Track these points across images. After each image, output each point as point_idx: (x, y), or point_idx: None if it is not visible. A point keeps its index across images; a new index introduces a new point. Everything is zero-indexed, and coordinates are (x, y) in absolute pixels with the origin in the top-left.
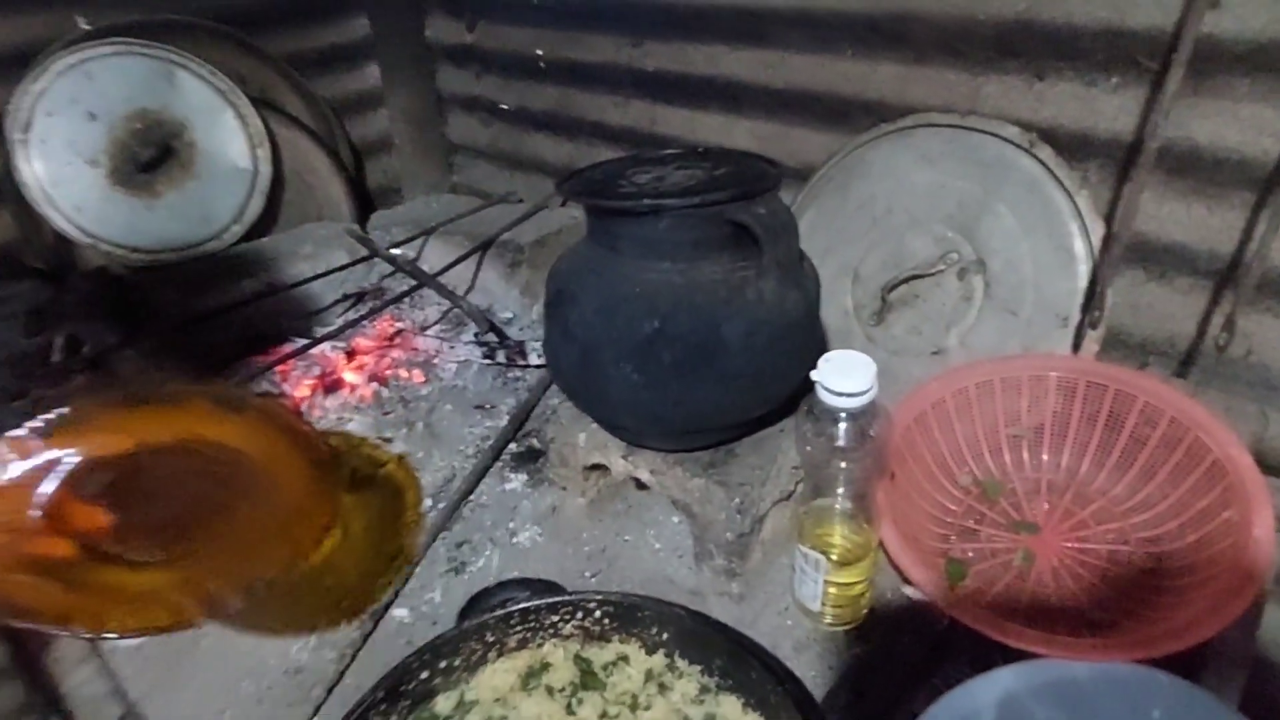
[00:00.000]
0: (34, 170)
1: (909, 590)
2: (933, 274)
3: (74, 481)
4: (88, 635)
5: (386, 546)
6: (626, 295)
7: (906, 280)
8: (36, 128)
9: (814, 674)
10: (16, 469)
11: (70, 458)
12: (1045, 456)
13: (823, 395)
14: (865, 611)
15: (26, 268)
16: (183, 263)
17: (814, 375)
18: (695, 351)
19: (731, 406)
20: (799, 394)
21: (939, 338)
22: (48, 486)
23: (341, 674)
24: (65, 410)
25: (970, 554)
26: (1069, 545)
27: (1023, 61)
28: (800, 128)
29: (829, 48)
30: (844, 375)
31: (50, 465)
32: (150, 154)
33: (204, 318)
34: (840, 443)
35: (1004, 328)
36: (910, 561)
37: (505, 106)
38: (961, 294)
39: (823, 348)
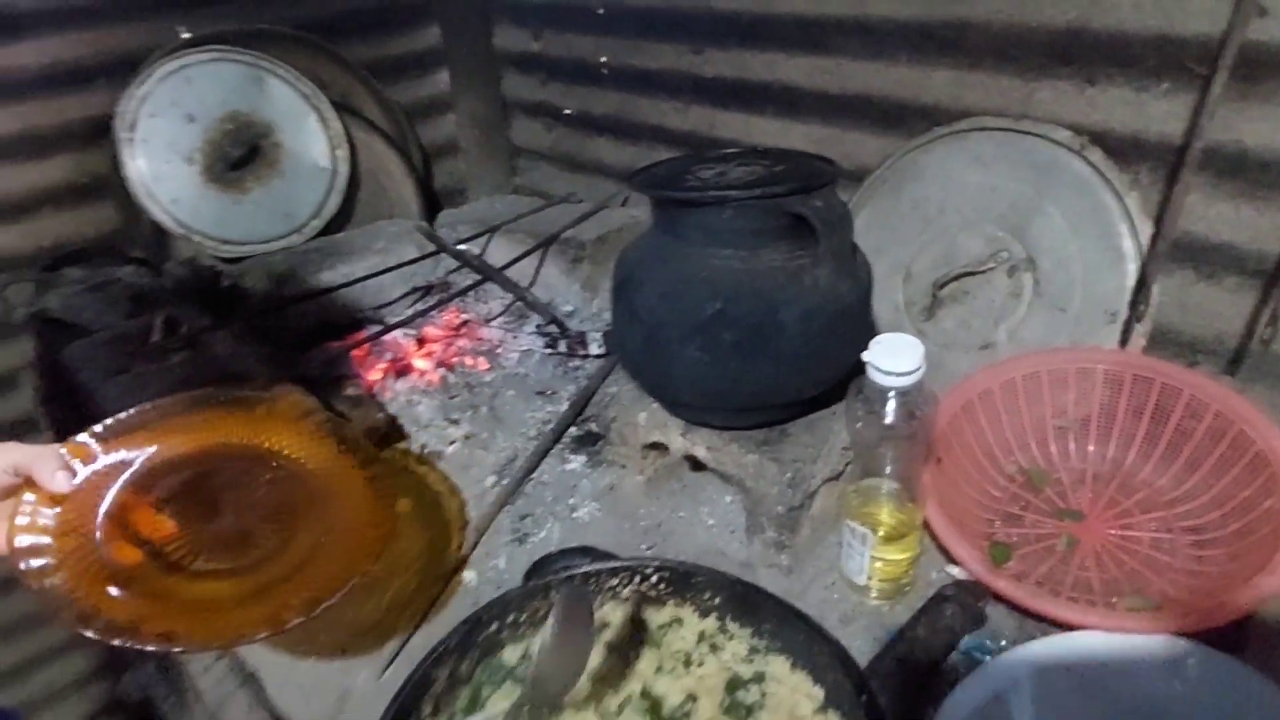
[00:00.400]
0: (138, 166)
1: (953, 569)
2: (983, 271)
3: (140, 485)
4: (153, 648)
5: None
6: (691, 280)
7: (957, 278)
8: (140, 128)
9: (859, 644)
10: (83, 474)
11: (137, 461)
12: (1091, 448)
13: (873, 375)
14: (909, 588)
15: (127, 256)
16: (266, 254)
17: (865, 356)
18: (754, 332)
19: (787, 385)
20: (850, 377)
21: (988, 333)
22: (113, 491)
23: (414, 630)
24: (128, 413)
25: (1014, 538)
26: (1113, 533)
27: (1075, 67)
28: (855, 131)
29: (884, 54)
30: (894, 355)
31: (119, 469)
32: (240, 153)
33: (285, 304)
34: (889, 420)
35: (1052, 323)
36: (955, 540)
37: (568, 111)
38: (1011, 290)
39: (873, 334)
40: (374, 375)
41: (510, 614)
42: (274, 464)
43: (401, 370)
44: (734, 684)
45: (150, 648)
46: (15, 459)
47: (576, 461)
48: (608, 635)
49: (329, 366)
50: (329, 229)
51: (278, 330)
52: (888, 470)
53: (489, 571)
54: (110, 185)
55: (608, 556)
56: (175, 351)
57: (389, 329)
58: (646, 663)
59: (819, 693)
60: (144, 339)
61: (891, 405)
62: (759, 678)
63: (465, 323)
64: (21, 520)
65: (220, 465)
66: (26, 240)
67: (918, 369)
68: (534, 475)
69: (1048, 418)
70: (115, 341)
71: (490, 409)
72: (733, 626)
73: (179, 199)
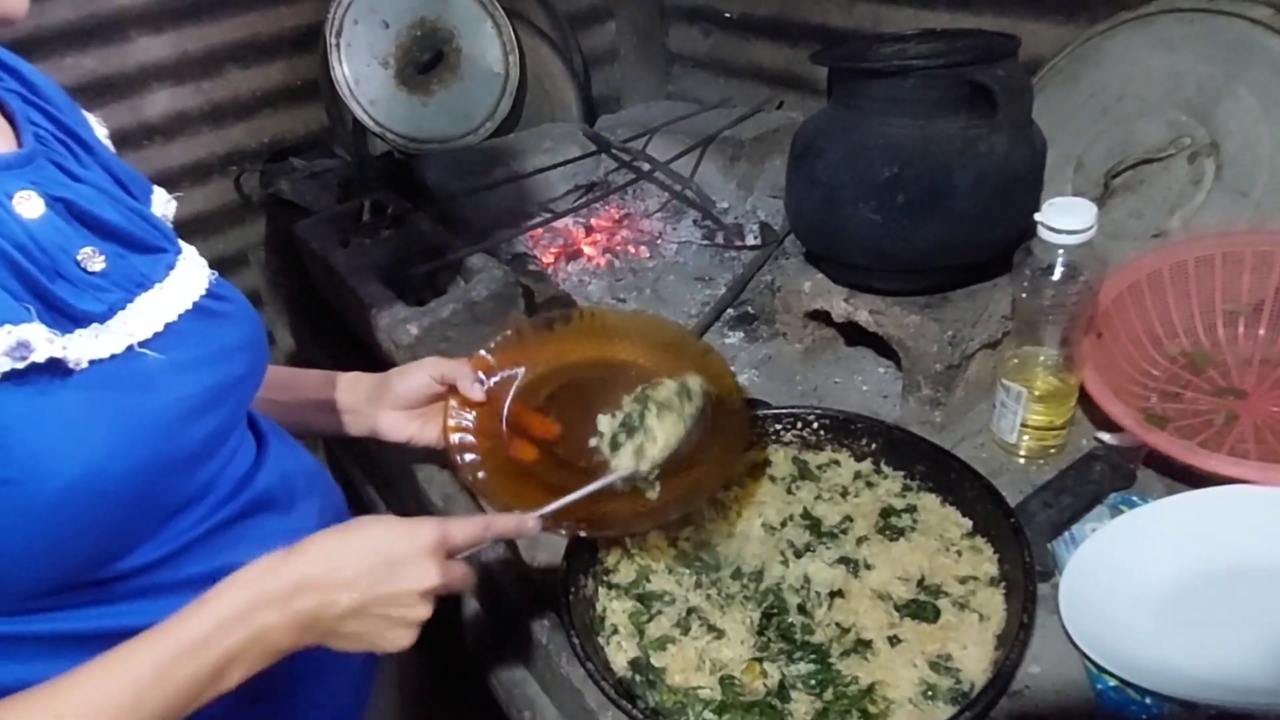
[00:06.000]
0: (343, 70)
1: (1104, 436)
2: (1162, 158)
3: (523, 394)
4: (564, 532)
5: None
6: (869, 146)
7: (1133, 166)
8: (345, 34)
9: (1005, 495)
10: (485, 384)
11: (519, 374)
12: (1262, 332)
13: (1044, 234)
14: (1056, 451)
15: (332, 152)
16: (447, 152)
17: (1037, 216)
18: (928, 193)
19: (955, 246)
20: (1016, 245)
21: (1161, 221)
22: (508, 400)
23: None
24: (503, 335)
25: (1170, 413)
26: (1277, 409)
27: None
28: (1032, 21)
29: None
30: (1065, 214)
31: (508, 381)
32: (427, 57)
33: (468, 194)
34: (1055, 278)
35: (1232, 209)
36: (1110, 400)
37: (728, 15)
38: (1190, 177)
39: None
40: (547, 258)
41: None
42: (632, 372)
43: (572, 255)
44: (887, 512)
45: (562, 532)
46: (443, 370)
47: (735, 337)
48: (770, 471)
49: (510, 247)
50: (500, 130)
51: (461, 218)
52: (1048, 337)
53: None
54: (318, 88)
55: (770, 407)
56: (384, 229)
57: (559, 215)
58: (806, 492)
59: (967, 523)
60: (357, 218)
61: (1060, 265)
62: (911, 509)
63: (626, 215)
64: (452, 422)
65: (582, 374)
66: (251, 136)
67: (1089, 228)
68: None
69: (1218, 301)
70: (335, 219)
71: (653, 290)
72: (887, 469)
73: (375, 100)
